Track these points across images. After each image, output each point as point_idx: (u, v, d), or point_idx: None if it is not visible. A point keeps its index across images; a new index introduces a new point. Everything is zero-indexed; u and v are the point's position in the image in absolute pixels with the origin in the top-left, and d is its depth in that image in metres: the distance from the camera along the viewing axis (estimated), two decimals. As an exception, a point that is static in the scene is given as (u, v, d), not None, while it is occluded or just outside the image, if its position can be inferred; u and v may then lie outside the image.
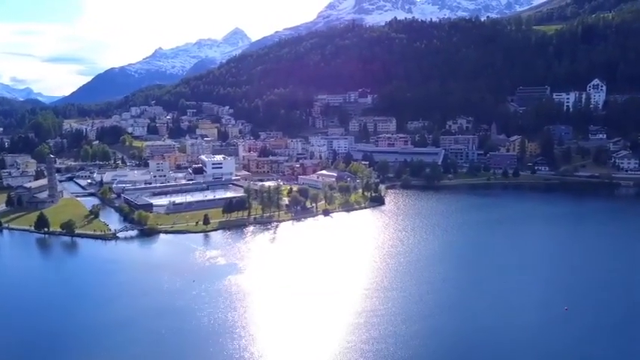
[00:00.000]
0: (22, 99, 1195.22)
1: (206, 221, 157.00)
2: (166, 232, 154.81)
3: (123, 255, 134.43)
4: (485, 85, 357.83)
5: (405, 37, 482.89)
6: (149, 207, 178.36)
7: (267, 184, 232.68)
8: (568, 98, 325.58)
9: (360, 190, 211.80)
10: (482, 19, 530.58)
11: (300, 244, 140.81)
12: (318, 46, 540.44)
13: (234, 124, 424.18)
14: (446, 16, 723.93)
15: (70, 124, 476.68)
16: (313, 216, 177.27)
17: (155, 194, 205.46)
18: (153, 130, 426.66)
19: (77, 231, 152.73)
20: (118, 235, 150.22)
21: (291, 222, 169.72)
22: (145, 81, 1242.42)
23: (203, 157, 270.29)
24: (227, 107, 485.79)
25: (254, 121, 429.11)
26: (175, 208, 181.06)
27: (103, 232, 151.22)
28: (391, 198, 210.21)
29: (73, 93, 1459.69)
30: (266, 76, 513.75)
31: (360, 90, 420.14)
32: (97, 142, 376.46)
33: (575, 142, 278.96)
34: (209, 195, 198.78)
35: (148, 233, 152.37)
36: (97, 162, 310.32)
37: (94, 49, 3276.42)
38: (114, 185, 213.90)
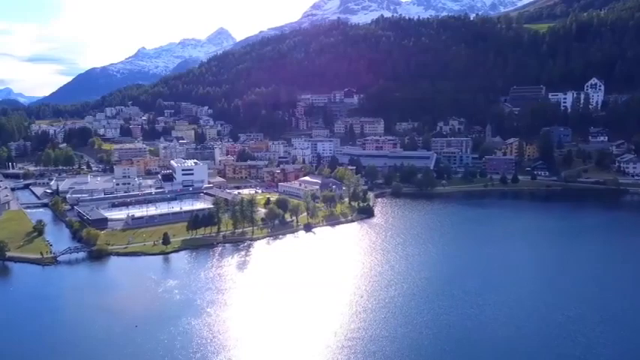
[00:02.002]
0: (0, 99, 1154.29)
1: (166, 241, 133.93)
2: (118, 254, 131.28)
3: (58, 286, 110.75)
4: (476, 85, 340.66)
5: (392, 34, 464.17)
6: (103, 222, 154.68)
7: (244, 191, 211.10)
8: (565, 98, 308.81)
9: (347, 200, 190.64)
10: (472, 18, 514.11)
11: (275, 271, 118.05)
12: (302, 44, 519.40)
13: (213, 126, 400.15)
14: (432, 16, 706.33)
15: (40, 126, 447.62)
16: (293, 232, 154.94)
17: (114, 205, 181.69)
18: (126, 132, 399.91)
19: (10, 253, 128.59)
20: (58, 258, 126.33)
21: (267, 240, 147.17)
22: (128, 81, 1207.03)
23: (173, 162, 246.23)
24: (206, 107, 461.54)
25: (234, 122, 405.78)
26: (135, 223, 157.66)
27: (41, 256, 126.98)
28: (381, 208, 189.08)
29: (53, 93, 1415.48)
30: (247, 75, 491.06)
31: (345, 89, 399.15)
32: (64, 144, 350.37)
33: (575, 145, 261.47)
34: (176, 206, 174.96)
35: (96, 256, 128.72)
36: (60, 167, 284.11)
37: (74, 49, 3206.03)
38: (68, 195, 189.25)
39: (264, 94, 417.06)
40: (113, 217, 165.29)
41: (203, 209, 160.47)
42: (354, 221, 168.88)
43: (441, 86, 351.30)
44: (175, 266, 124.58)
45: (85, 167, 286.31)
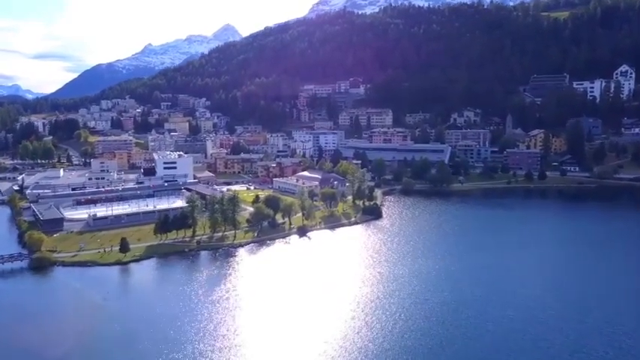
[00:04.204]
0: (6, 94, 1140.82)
1: (123, 247, 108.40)
2: (64, 264, 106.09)
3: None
4: (492, 74, 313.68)
5: (401, 22, 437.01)
6: (58, 222, 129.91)
7: (234, 188, 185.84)
8: (592, 87, 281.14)
9: (350, 198, 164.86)
10: (485, 6, 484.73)
11: (251, 291, 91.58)
12: (305, 34, 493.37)
13: (209, 118, 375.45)
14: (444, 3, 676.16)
15: (29, 118, 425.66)
16: (284, 236, 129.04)
17: (80, 203, 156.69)
18: (117, 124, 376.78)
19: None
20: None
21: (251, 246, 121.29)
22: (133, 77, 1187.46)
23: (155, 154, 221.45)
24: (204, 99, 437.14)
25: (232, 114, 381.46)
26: (97, 224, 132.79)
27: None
28: (389, 208, 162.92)
29: (59, 90, 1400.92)
30: (248, 65, 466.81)
31: (351, 79, 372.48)
32: (50, 137, 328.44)
33: (606, 138, 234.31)
34: (151, 205, 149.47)
35: (36, 266, 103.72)
36: (39, 160, 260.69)
37: (80, 46, 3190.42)
38: (28, 191, 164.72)
39: (264, 84, 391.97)
40: (74, 216, 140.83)
41: (175, 209, 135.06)
42: (358, 223, 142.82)
43: (453, 76, 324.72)
44: (131, 281, 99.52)
45: (64, 160, 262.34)
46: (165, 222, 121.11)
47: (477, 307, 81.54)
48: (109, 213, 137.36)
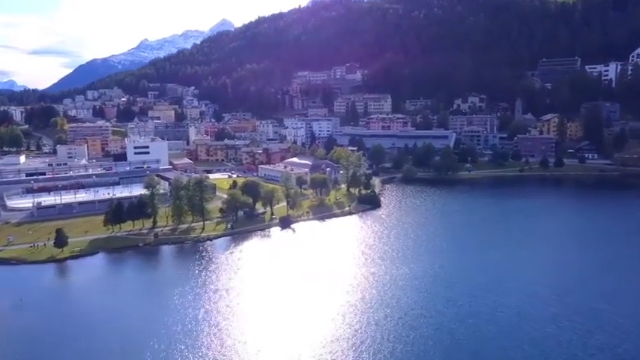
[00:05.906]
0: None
1: (60, 241, 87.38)
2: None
3: None
4: (498, 58, 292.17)
5: (401, 7, 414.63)
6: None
7: (215, 176, 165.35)
8: (607, 70, 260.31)
9: (344, 186, 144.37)
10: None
11: (215, 297, 71.39)
12: (300, 21, 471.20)
13: (196, 106, 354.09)
14: None
15: (8, 108, 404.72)
16: (263, 228, 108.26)
17: (32, 191, 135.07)
18: (99, 113, 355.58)
19: None
20: None
21: (222, 240, 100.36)
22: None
23: (126, 139, 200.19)
24: (192, 88, 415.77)
25: (221, 102, 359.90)
26: (43, 214, 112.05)
27: None
28: (388, 197, 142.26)
29: (54, 85, 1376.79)
30: (240, 53, 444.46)
31: (347, 65, 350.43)
32: (26, 126, 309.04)
33: (625, 123, 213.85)
34: (107, 193, 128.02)
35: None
36: (5, 148, 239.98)
37: (78, 42, 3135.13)
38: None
39: (255, 71, 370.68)
40: (18, 205, 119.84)
41: (137, 196, 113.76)
42: (352, 213, 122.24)
43: (457, 60, 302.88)
44: (61, 283, 78.70)
45: (34, 148, 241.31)
46: (118, 211, 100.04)
47: (505, 321, 61.16)
48: (56, 201, 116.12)
